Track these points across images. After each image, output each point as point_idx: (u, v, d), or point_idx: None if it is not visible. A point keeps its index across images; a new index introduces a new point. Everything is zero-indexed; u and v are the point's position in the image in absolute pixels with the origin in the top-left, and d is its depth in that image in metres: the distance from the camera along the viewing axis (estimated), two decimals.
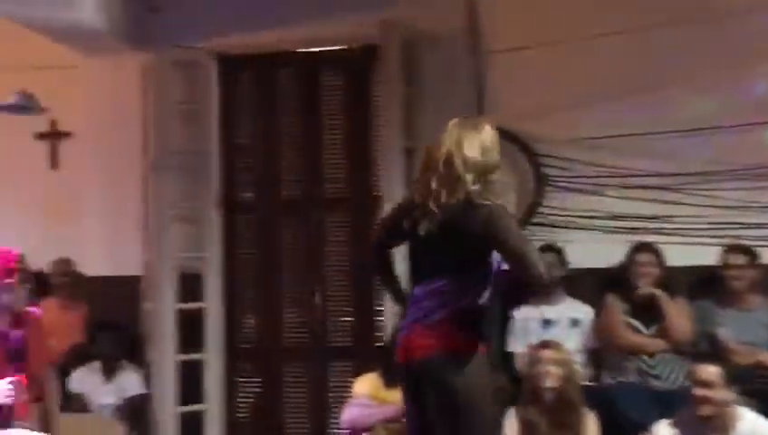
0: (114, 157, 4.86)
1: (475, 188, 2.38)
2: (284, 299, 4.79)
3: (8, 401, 2.79)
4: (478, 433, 2.41)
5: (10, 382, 2.80)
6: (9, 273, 2.91)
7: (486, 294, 2.43)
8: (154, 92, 4.58)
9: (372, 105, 4.61)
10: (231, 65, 4.83)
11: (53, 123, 5.01)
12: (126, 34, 4.56)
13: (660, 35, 4.09)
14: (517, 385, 3.55)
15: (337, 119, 4.75)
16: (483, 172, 2.41)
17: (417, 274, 2.51)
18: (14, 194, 5.00)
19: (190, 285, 4.63)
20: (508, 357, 3.91)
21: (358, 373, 3.93)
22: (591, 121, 4.25)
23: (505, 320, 3.98)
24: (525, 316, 3.96)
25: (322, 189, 4.77)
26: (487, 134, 2.48)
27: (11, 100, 4.47)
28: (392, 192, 4.18)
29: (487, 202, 2.37)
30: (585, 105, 4.25)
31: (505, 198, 2.59)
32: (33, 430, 2.85)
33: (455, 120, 2.52)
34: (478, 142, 2.44)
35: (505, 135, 4.27)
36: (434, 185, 2.41)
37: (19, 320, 2.96)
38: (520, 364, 3.76)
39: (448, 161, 2.41)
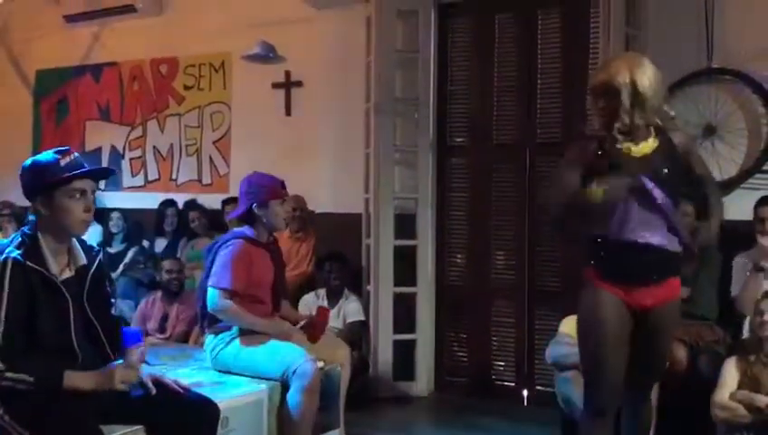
0: (340, 104, 5.25)
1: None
2: (494, 241, 4.93)
3: None
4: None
5: None
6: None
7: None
8: (377, 41, 4.83)
9: (591, 49, 4.51)
10: (449, 12, 4.98)
11: (287, 74, 5.50)
12: None
13: None
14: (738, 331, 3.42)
15: (553, 63, 4.70)
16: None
17: None
18: (255, 137, 5.62)
19: (405, 224, 4.91)
20: (731, 304, 3.75)
21: (564, 316, 3.96)
22: None
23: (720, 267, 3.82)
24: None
25: (535, 134, 4.79)
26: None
27: (255, 50, 5.03)
28: None
29: None
30: None
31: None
32: None
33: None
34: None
35: (738, 77, 4.06)
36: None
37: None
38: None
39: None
